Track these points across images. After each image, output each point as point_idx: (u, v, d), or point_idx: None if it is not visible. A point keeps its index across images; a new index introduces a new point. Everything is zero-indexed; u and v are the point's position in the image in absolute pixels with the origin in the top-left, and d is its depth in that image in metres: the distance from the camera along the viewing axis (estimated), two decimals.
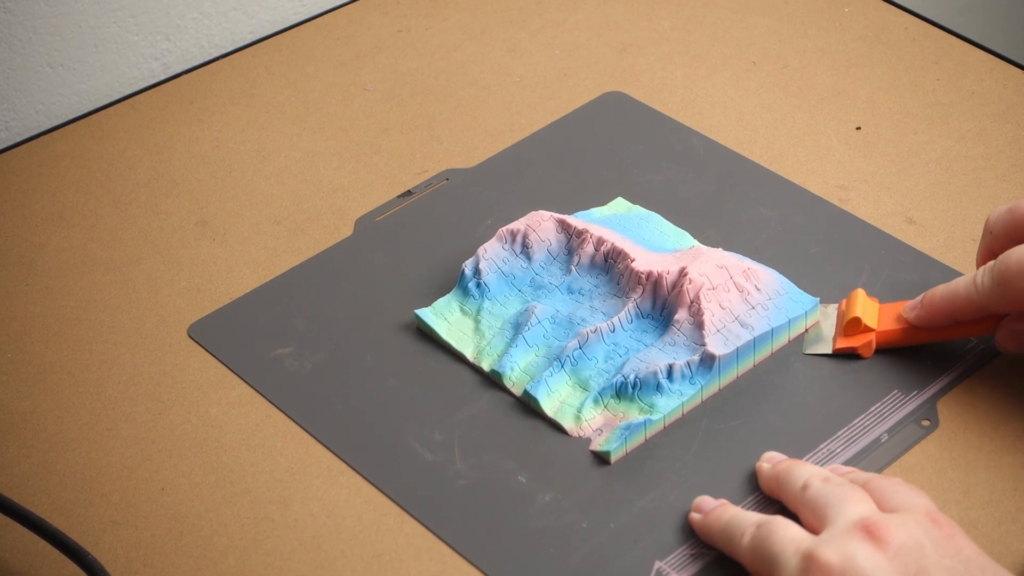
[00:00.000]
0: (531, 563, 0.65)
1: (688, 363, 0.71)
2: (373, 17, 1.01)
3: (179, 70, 0.99)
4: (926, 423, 0.70)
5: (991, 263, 0.69)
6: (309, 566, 0.66)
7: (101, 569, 0.65)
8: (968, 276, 0.70)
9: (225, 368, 0.76)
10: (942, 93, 0.91)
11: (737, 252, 0.76)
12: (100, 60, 0.97)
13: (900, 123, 0.89)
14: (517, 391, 0.72)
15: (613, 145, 0.87)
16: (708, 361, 0.71)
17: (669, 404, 0.70)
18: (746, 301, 0.73)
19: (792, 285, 0.75)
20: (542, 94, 0.93)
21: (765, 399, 0.72)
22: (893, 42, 0.96)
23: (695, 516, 0.66)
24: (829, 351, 0.73)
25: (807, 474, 0.64)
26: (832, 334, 0.74)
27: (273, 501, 0.69)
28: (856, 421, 0.70)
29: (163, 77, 0.99)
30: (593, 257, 0.76)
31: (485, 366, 0.73)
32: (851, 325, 0.73)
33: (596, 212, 0.80)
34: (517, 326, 0.74)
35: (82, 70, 0.97)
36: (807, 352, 0.73)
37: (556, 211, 0.79)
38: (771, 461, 0.67)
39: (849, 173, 0.85)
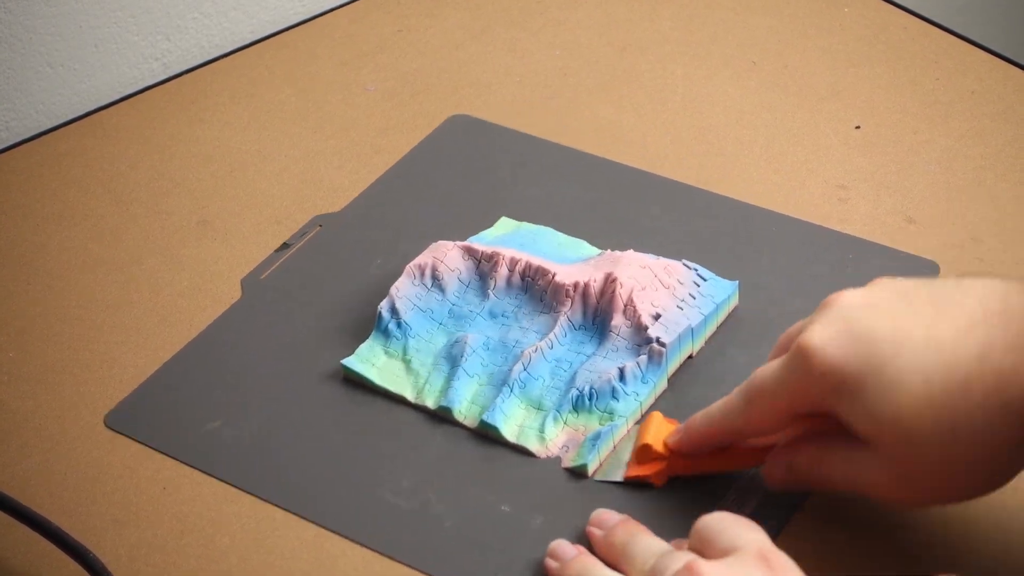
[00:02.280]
0: None
1: (638, 363, 0.71)
2: (374, 17, 1.01)
3: (179, 70, 0.99)
4: None
5: (743, 383, 0.63)
6: (311, 565, 0.66)
7: (103, 568, 0.65)
8: (723, 398, 0.64)
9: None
10: (942, 92, 0.91)
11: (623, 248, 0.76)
12: (100, 60, 0.97)
13: (900, 122, 0.89)
14: (471, 423, 0.71)
15: (473, 168, 0.87)
16: (656, 358, 0.71)
17: (629, 407, 0.70)
18: (674, 296, 0.74)
19: (710, 273, 0.76)
20: (543, 93, 0.93)
21: (714, 387, 0.71)
22: (893, 41, 0.96)
23: (552, 564, 0.63)
24: (620, 479, 0.68)
25: (641, 555, 0.61)
26: (627, 459, 0.69)
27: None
28: None
29: (163, 77, 0.99)
30: (509, 278, 0.75)
31: (430, 404, 0.72)
32: (642, 452, 0.67)
33: (487, 235, 0.79)
34: (452, 358, 0.73)
35: (82, 70, 0.97)
36: (599, 479, 0.68)
37: (442, 240, 0.78)
38: (603, 526, 0.64)
39: (849, 172, 0.85)
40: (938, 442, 0.56)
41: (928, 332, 0.57)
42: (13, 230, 0.86)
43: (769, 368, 0.61)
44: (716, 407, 0.64)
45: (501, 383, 0.72)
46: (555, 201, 0.84)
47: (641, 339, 0.72)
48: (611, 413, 0.70)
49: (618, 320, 0.72)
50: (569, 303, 0.74)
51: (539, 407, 0.71)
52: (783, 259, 0.79)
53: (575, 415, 0.70)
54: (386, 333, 0.74)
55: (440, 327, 0.75)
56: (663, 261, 0.75)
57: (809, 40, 0.96)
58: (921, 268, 0.78)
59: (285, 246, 0.82)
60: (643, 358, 0.71)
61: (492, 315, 0.75)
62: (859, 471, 0.59)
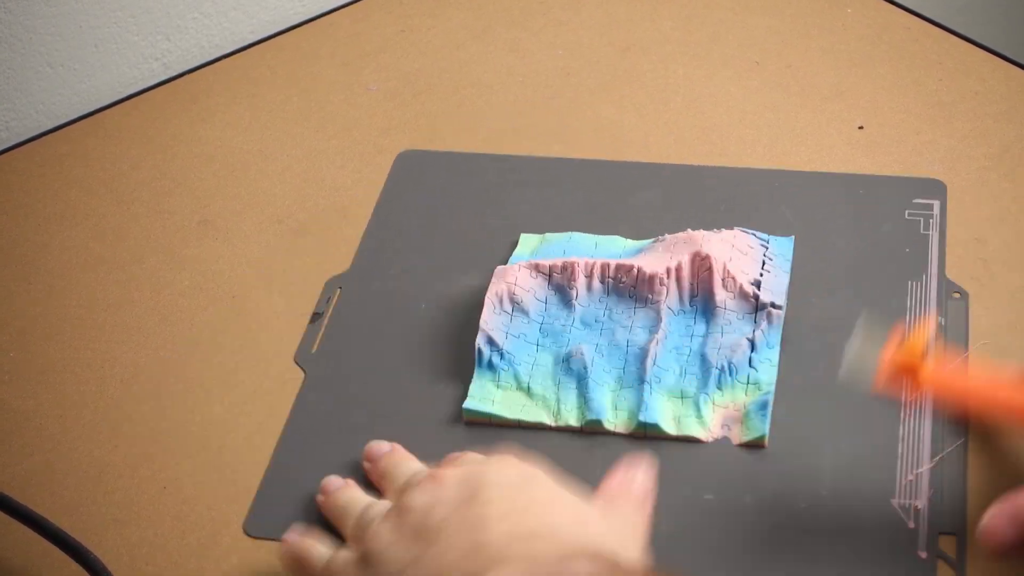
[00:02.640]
0: (813, 549, 0.64)
1: (761, 330, 0.72)
2: (376, 17, 1.01)
3: (179, 70, 0.99)
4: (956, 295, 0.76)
5: None
6: None
7: (103, 568, 0.65)
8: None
9: (229, 364, 0.76)
10: (944, 93, 0.91)
11: (656, 235, 0.77)
12: (100, 60, 0.97)
13: (903, 123, 0.89)
14: (624, 429, 0.70)
15: (449, 198, 0.84)
16: (776, 321, 0.72)
17: (769, 373, 0.71)
18: (756, 261, 0.75)
19: (764, 234, 0.77)
20: (545, 93, 0.93)
21: (819, 336, 0.73)
22: (895, 42, 0.96)
23: (319, 499, 0.67)
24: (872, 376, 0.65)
25: (399, 475, 0.66)
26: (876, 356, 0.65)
27: None
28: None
29: (163, 77, 0.99)
30: (589, 284, 0.75)
31: (574, 422, 0.70)
32: (902, 369, 0.63)
33: (522, 253, 0.78)
34: (574, 373, 0.72)
35: (82, 70, 0.97)
36: (845, 375, 0.67)
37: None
38: (371, 458, 0.68)
39: (852, 172, 0.85)
40: None
41: None
42: (15, 230, 0.85)
43: None
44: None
45: (637, 382, 0.71)
46: (553, 207, 0.83)
47: (750, 307, 0.72)
48: (756, 383, 0.70)
49: (721, 295, 0.73)
50: (664, 291, 0.74)
51: (682, 396, 0.71)
52: (803, 209, 0.81)
53: (721, 393, 0.70)
54: (491, 367, 0.72)
55: (540, 348, 0.73)
56: (724, 232, 0.76)
57: (812, 40, 0.96)
58: (929, 188, 0.82)
59: (317, 315, 0.78)
60: (764, 324, 0.72)
61: (584, 323, 0.74)
62: None
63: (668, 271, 0.74)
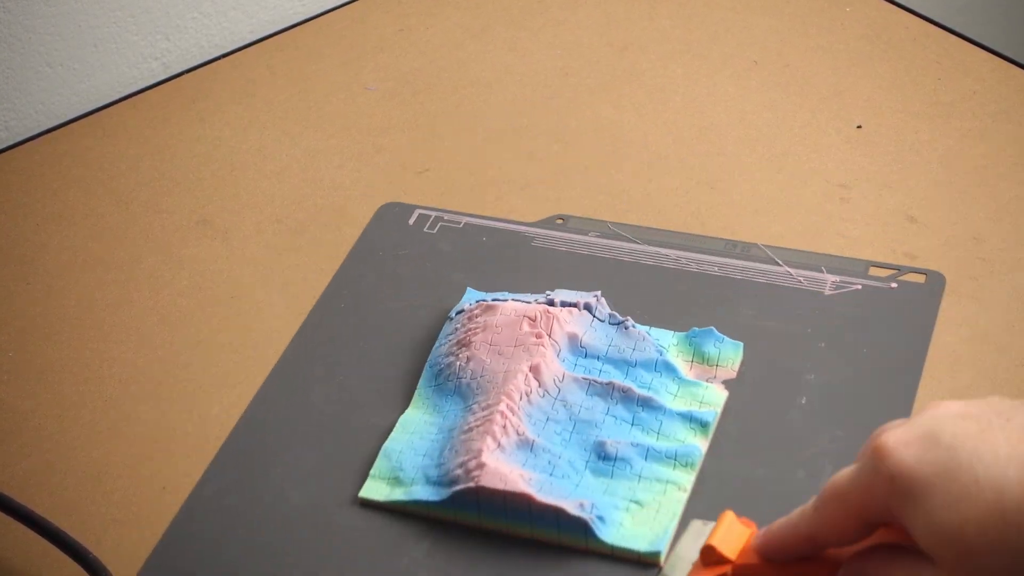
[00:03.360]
0: None
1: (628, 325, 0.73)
2: (375, 16, 1.01)
3: (179, 70, 0.99)
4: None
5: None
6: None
7: (103, 568, 0.65)
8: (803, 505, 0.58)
9: (228, 364, 0.76)
10: (943, 92, 0.91)
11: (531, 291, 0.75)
12: (100, 60, 0.97)
13: (901, 122, 0.89)
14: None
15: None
16: (623, 329, 0.73)
17: (665, 334, 0.73)
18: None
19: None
20: (544, 93, 0.93)
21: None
22: (894, 41, 0.96)
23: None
24: None
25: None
26: (694, 558, 0.61)
27: None
28: None
29: (163, 77, 0.99)
30: (524, 412, 0.69)
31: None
32: (706, 553, 0.60)
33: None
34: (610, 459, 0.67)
35: (82, 70, 0.97)
36: None
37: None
38: None
39: (851, 172, 0.85)
40: (1001, 565, 0.50)
41: (1015, 449, 0.51)
42: (14, 230, 0.85)
43: (845, 470, 0.56)
44: (795, 512, 0.58)
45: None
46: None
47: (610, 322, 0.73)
48: (685, 345, 0.72)
49: (574, 327, 0.72)
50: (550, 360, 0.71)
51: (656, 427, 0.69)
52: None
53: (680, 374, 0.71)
54: (597, 523, 0.65)
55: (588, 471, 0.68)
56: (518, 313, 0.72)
57: (810, 39, 0.96)
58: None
59: None
60: (628, 342, 0.72)
61: (562, 437, 0.69)
62: None
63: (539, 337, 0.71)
